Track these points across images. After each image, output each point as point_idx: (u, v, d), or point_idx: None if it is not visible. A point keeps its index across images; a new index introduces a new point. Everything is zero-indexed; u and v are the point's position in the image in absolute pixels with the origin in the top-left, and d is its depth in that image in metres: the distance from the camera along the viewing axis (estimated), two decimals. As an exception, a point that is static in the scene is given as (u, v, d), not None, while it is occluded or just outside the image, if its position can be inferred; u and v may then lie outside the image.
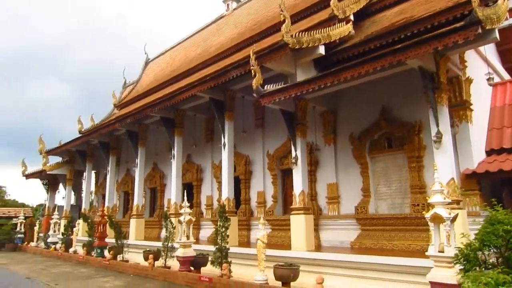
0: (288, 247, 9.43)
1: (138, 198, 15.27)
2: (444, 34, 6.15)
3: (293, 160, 9.57)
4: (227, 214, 9.76)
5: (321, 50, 9.05)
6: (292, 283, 7.57)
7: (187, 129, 14.25)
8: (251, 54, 8.88)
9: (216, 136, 14.13)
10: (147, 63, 24.10)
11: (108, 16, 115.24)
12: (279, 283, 7.60)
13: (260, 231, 8.01)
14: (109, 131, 16.38)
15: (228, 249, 9.23)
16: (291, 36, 8.57)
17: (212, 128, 14.72)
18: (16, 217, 25.68)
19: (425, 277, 5.72)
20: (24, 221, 24.46)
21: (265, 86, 8.87)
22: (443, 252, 5.40)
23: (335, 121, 10.79)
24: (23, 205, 42.43)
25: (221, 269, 8.79)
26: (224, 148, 11.56)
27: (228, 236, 9.36)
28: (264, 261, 7.87)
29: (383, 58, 6.83)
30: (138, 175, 15.49)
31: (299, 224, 9.12)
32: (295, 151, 9.58)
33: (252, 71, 8.88)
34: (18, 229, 23.86)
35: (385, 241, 8.91)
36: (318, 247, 9.77)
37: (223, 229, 9.38)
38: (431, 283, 5.47)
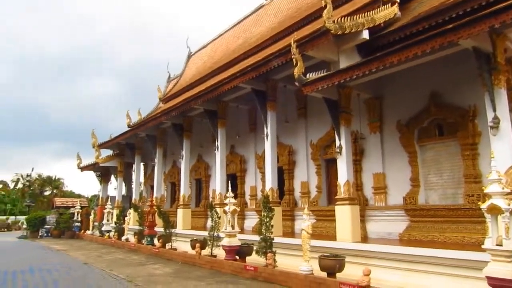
0: (333, 238, 9.28)
1: (184, 189, 15.68)
2: (502, 10, 5.66)
3: (337, 150, 9.35)
4: (271, 205, 9.77)
5: (365, 35, 8.71)
6: (337, 274, 7.45)
7: (230, 120, 14.38)
8: (292, 43, 8.72)
9: (259, 127, 14.14)
10: (189, 56, 24.51)
11: (153, 13, 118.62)
12: (325, 274, 7.51)
13: (304, 222, 7.94)
14: (155, 124, 16.91)
15: (273, 239, 9.25)
16: (333, 21, 8.31)
17: (255, 118, 14.74)
18: (73, 207, 27.44)
19: (480, 271, 5.39)
20: (80, 210, 26.07)
21: (307, 75, 8.70)
22: (501, 245, 5.04)
23: (380, 108, 10.39)
24: (79, 196, 45.25)
25: (266, 259, 8.83)
26: (267, 138, 11.54)
27: (272, 226, 9.38)
28: (308, 251, 7.81)
29: (432, 40, 6.42)
30: (184, 166, 15.89)
31: (344, 214, 8.94)
32: (339, 140, 9.35)
33: (294, 59, 8.73)
34: (75, 218, 25.48)
35: (436, 233, 8.51)
36: (365, 239, 9.53)
37: (267, 219, 9.40)
38: (488, 278, 5.14)
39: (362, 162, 10.77)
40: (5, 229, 35.34)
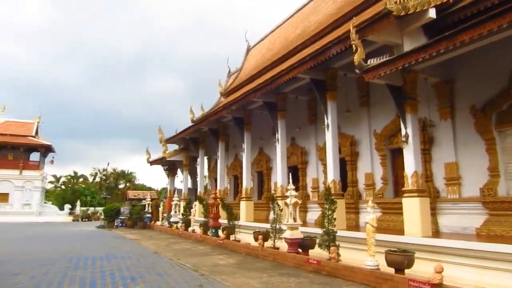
0: (400, 232, 8.79)
1: (247, 182, 15.87)
2: None
3: (403, 139, 8.80)
4: (333, 197, 9.49)
5: (432, 13, 8.05)
6: (406, 271, 7.04)
7: (290, 112, 14.22)
8: (351, 28, 8.34)
9: (319, 118, 13.82)
10: (248, 50, 24.67)
11: (214, 7, 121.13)
12: (391, 270, 7.13)
13: (369, 215, 7.60)
14: (216, 118, 17.30)
15: (336, 232, 8.99)
16: (395, 2, 7.79)
17: (315, 109, 14.43)
18: (144, 199, 29.17)
19: None
20: (150, 202, 27.64)
21: (368, 61, 8.27)
22: None
23: (451, 92, 9.59)
24: (149, 189, 47.96)
25: (329, 252, 8.62)
26: (327, 129, 11.22)
27: (335, 219, 9.11)
28: (374, 246, 7.47)
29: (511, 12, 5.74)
30: (245, 159, 16.08)
31: (412, 207, 8.41)
32: (405, 128, 8.79)
33: (353, 46, 8.35)
34: (146, 209, 27.06)
35: (520, 227, 7.70)
36: (436, 233, 8.91)
37: (330, 212, 9.16)
38: None
39: (432, 151, 10.05)
40: (86, 219, 38.64)
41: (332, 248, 8.58)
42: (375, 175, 11.81)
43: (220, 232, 14.93)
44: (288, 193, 10.49)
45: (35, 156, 44.32)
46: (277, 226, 11.02)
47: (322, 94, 11.42)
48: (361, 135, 12.36)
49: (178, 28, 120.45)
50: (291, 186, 10.49)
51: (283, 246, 10.62)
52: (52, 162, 45.51)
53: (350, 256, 8.82)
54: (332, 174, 10.93)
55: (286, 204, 10.41)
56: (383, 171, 11.50)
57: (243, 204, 15.59)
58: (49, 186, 54.52)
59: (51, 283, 7.64)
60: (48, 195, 52.43)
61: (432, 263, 6.55)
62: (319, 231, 9.49)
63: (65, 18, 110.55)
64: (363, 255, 7.91)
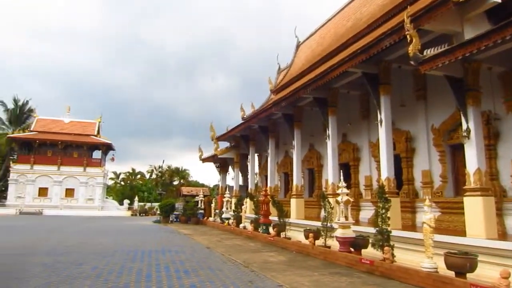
0: (461, 233, 8.25)
1: (297, 179, 15.73)
2: None
3: (465, 134, 8.22)
4: (387, 195, 9.12)
5: (497, -4, 7.44)
6: (467, 275, 6.58)
7: (341, 107, 13.88)
8: (405, 18, 7.93)
9: (372, 113, 13.35)
10: (298, 46, 24.41)
11: (265, 3, 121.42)
12: (451, 273, 6.70)
13: (426, 214, 7.22)
14: (266, 115, 17.31)
15: (390, 232, 8.63)
16: (455, -13, 7.29)
17: (367, 104, 13.95)
18: (197, 195, 29.97)
19: None
20: (203, 199, 28.34)
21: (424, 51, 7.81)
22: None
23: (520, 83, 8.81)
24: (202, 185, 49.23)
25: (383, 253, 8.29)
26: (381, 124, 10.79)
27: (389, 218, 8.75)
28: (431, 247, 7.07)
29: None
30: (296, 156, 15.94)
31: (475, 207, 7.83)
32: (467, 122, 8.20)
33: (408, 36, 7.93)
34: (199, 205, 27.80)
35: None
36: (502, 235, 8.24)
37: (383, 211, 8.81)
38: None
39: (497, 147, 9.30)
40: (143, 214, 40.52)
41: (386, 248, 8.25)
42: (433, 173, 11.18)
43: (270, 229, 14.95)
44: (339, 191, 10.25)
45: (97, 154, 47.31)
46: (328, 224, 10.82)
47: (374, 88, 11.00)
48: (417, 130, 11.75)
49: (229, 26, 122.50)
50: (343, 183, 10.24)
51: (334, 244, 10.41)
52: (112, 159, 48.31)
53: (405, 257, 8.45)
54: (386, 171, 10.50)
55: (337, 202, 10.18)
56: (442, 168, 10.84)
57: (293, 201, 15.48)
58: (110, 183, 57.90)
59: (111, 273, 8.07)
60: (109, 190, 55.68)
61: (497, 268, 6.08)
62: (372, 230, 9.19)
63: (121, 21, 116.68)
64: (419, 256, 7.53)
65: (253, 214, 17.10)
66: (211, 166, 28.94)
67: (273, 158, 19.20)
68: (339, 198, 10.08)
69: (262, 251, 12.09)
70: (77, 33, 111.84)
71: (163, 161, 78.75)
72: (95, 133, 46.62)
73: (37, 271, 8.19)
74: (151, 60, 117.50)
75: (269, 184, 18.56)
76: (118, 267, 8.87)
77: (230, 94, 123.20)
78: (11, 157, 44.87)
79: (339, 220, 9.96)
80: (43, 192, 42.24)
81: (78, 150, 45.03)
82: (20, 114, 48.88)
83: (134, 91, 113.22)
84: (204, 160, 27.60)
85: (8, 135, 43.52)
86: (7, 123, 48.11)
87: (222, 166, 27.23)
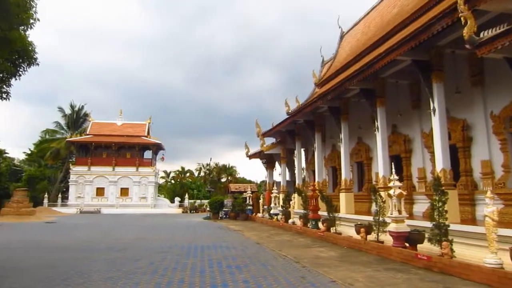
0: (529, 226, 7.68)
1: (346, 173, 15.41)
2: None
3: (529, 119, 7.63)
4: (443, 188, 8.68)
5: None
6: (538, 271, 6.12)
7: (389, 98, 13.38)
8: (458, -1, 7.46)
9: (424, 102, 12.75)
10: (342, 36, 23.84)
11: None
12: (519, 269, 6.26)
13: (488, 207, 6.79)
14: (312, 109, 17.09)
15: (448, 226, 8.21)
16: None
17: (418, 93, 13.34)
18: (245, 191, 30.30)
19: None
20: (251, 195, 28.59)
21: (481, 34, 7.31)
22: None
23: None
24: (249, 182, 49.70)
25: (441, 248, 7.91)
26: (434, 113, 10.27)
27: (446, 211, 8.32)
28: (495, 241, 6.63)
29: None
30: (343, 150, 15.62)
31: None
32: (532, 107, 7.60)
33: (462, 18, 7.46)
34: (247, 201, 28.09)
35: None
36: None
37: (440, 204, 8.39)
38: None
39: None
40: (194, 211, 41.63)
41: (444, 243, 7.86)
42: (493, 163, 10.46)
43: (320, 224, 14.78)
44: (391, 184, 9.91)
45: (148, 154, 49.30)
46: (381, 219, 10.50)
47: (426, 76, 10.48)
48: (475, 118, 11.05)
49: (273, 21, 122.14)
50: (395, 176, 9.88)
51: (387, 239, 10.09)
52: (162, 159, 50.07)
53: (465, 252, 8.00)
54: (441, 162, 9.98)
55: (389, 196, 9.85)
56: (504, 158, 10.12)
57: (342, 196, 15.19)
58: (161, 181, 60.09)
59: (167, 268, 8.36)
60: (160, 189, 57.79)
61: None
62: (428, 224, 8.80)
63: (171, 25, 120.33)
64: (480, 251, 7.11)
65: (302, 209, 16.98)
66: (257, 162, 29.18)
67: (320, 152, 18.94)
68: (391, 192, 9.74)
69: (312, 247, 11.99)
70: (130, 38, 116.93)
71: (211, 159, 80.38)
72: (146, 134, 48.53)
73: (98, 266, 8.67)
74: (199, 60, 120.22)
75: (316, 179, 18.34)
76: (173, 262, 9.19)
77: (275, 89, 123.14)
78: (70, 160, 47.85)
79: (392, 214, 9.63)
80: (100, 192, 44.69)
81: (130, 150, 47.13)
82: (76, 119, 52.00)
83: (182, 91, 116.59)
84: (251, 156, 27.82)
85: (67, 139, 46.43)
86: (65, 128, 51.39)
87: (269, 162, 27.31)
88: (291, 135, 22.02)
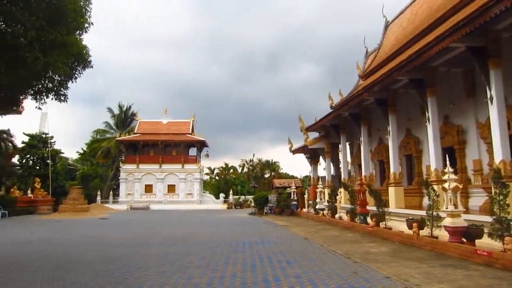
0: None
1: (394, 166, 14.92)
2: None
3: None
4: (504, 180, 8.18)
5: None
6: None
7: (441, 87, 12.77)
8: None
9: (479, 90, 12.05)
10: (386, 26, 23.04)
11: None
12: None
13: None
14: (357, 102, 16.68)
15: (510, 220, 7.73)
16: None
17: (472, 81, 12.62)
18: (289, 187, 30.22)
19: None
20: (295, 190, 28.47)
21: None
22: None
23: None
24: (292, 177, 49.55)
25: (503, 243, 7.48)
26: (491, 102, 9.67)
27: (508, 205, 7.86)
28: None
29: None
30: (392, 143, 15.12)
31: None
32: None
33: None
34: (292, 197, 28.01)
35: None
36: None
37: (501, 197, 7.93)
38: None
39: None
40: (238, 207, 42.16)
41: (507, 238, 7.43)
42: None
43: (368, 219, 14.46)
44: (445, 177, 9.47)
45: (192, 151, 50.48)
46: (434, 213, 10.08)
47: (482, 62, 9.88)
48: (538, 105, 10.29)
49: (312, 14, 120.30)
50: (449, 169, 9.43)
51: (441, 234, 9.71)
52: (207, 155, 51.11)
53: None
54: (501, 153, 9.38)
55: (443, 189, 9.43)
56: None
57: (391, 190, 14.72)
58: (206, 178, 61.34)
59: (218, 263, 8.52)
60: (205, 185, 59.02)
61: None
62: (486, 218, 8.39)
63: (211, 24, 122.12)
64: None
65: (349, 204, 16.68)
66: (300, 157, 29.00)
67: (366, 146, 18.46)
68: (446, 185, 9.32)
69: (362, 242, 11.76)
70: (172, 39, 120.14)
71: (253, 154, 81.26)
72: (190, 131, 49.70)
73: (153, 261, 8.99)
74: (239, 58, 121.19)
75: (363, 173, 17.90)
76: (223, 257, 9.34)
77: (315, 83, 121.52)
78: (120, 158, 50.04)
79: (447, 208, 9.22)
80: (148, 188, 46.39)
81: (176, 148, 48.50)
82: (125, 119, 54.32)
83: (224, 88, 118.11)
84: (294, 151, 27.69)
85: (116, 139, 48.57)
86: (114, 127, 53.82)
87: (313, 156, 27.04)
88: (335, 129, 21.64)
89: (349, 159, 23.80)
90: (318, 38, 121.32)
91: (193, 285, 6.51)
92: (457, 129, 13.41)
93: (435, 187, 10.60)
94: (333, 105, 19.79)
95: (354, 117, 18.65)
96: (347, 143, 22.68)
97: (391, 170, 14.99)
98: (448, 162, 9.66)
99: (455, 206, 9.12)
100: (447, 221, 9.13)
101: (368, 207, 14.99)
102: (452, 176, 9.32)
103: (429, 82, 12.45)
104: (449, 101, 13.26)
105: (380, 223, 13.20)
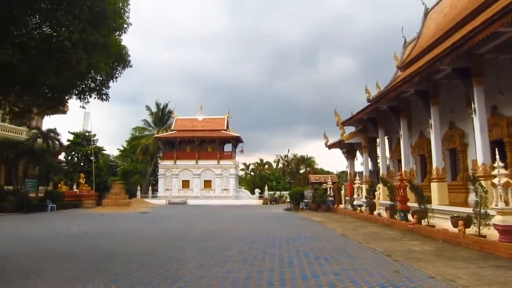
0: None
1: (437, 161, 14.27)
2: None
3: None
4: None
5: None
6: None
7: (488, 76, 12.00)
8: None
9: (532, 78, 11.24)
10: (426, 13, 22.01)
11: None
12: None
13: None
14: (396, 94, 16.08)
15: None
16: None
17: (524, 69, 11.80)
18: (325, 182, 29.81)
19: None
20: (332, 186, 28.03)
21: None
22: None
23: None
24: (328, 172, 48.82)
25: (562, 244, 6.94)
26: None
27: None
28: None
29: None
30: (434, 136, 14.46)
31: None
32: None
33: None
34: (328, 193, 27.60)
35: None
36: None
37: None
38: None
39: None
40: (274, 202, 42.08)
41: None
42: None
43: (409, 216, 13.95)
44: (495, 172, 8.92)
45: (228, 147, 50.85)
46: (482, 211, 9.53)
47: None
48: None
49: (345, 6, 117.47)
50: (500, 163, 8.87)
51: (490, 233, 9.18)
52: (242, 151, 51.34)
53: None
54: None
55: (493, 185, 8.89)
56: None
57: (434, 185, 14.10)
58: (241, 173, 61.70)
59: (256, 258, 8.50)
60: (241, 181, 59.37)
61: None
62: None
63: (244, 21, 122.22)
64: None
65: (388, 200, 16.17)
66: (336, 153, 28.44)
67: (406, 139, 17.78)
68: (495, 181, 8.78)
69: (403, 240, 11.36)
70: (206, 37, 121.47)
71: (288, 150, 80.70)
72: (225, 127, 50.11)
73: (192, 254, 9.11)
74: (272, 53, 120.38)
75: (403, 168, 17.27)
76: (260, 252, 9.31)
77: (349, 77, 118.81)
78: (158, 155, 51.33)
79: (496, 205, 8.69)
80: (185, 184, 47.31)
81: (211, 144, 49.10)
82: (162, 116, 55.65)
83: (257, 84, 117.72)
84: (330, 146, 27.20)
85: (154, 136, 49.84)
86: (152, 125, 55.28)
87: (349, 151, 26.44)
88: (373, 122, 21.01)
89: (387, 153, 23.05)
90: (353, 30, 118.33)
91: (232, 279, 6.52)
92: (507, 121, 12.57)
93: (483, 182, 10.01)
94: (370, 98, 19.19)
95: (392, 110, 18.02)
96: (385, 137, 21.97)
97: (434, 165, 14.35)
98: (497, 156, 9.09)
99: (506, 203, 8.58)
100: (497, 219, 8.62)
101: (408, 204, 14.46)
102: (502, 171, 8.78)
103: (475, 71, 11.74)
104: (498, 90, 12.45)
105: (422, 220, 12.68)
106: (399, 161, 19.01)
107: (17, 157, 28.80)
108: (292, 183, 51.86)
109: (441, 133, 15.08)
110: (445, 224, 11.59)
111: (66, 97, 9.58)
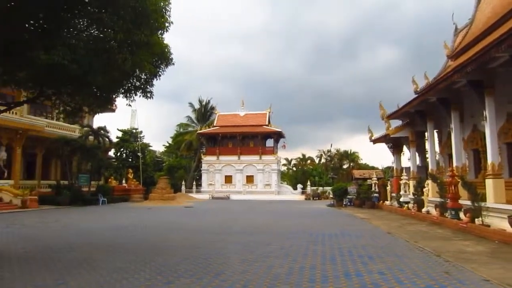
0: None
1: (493, 156, 13.33)
2: None
3: None
4: None
5: None
6: None
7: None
8: None
9: None
10: (480, -1, 20.66)
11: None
12: None
13: None
14: (446, 85, 15.19)
15: None
16: None
17: None
18: (370, 178, 29.00)
19: None
20: (377, 181, 27.23)
21: None
22: None
23: None
24: (372, 168, 47.52)
25: None
26: None
27: None
28: None
29: None
30: (489, 129, 13.51)
31: None
32: None
33: None
34: (373, 189, 26.83)
35: None
36: None
37: None
38: None
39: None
40: (316, 198, 41.62)
41: None
42: None
43: (461, 215, 13.21)
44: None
45: (269, 143, 50.86)
46: (545, 210, 8.81)
47: None
48: None
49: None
50: None
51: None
52: (284, 146, 51.18)
53: None
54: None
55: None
56: None
57: (489, 182, 13.19)
58: (283, 169, 61.58)
59: (298, 254, 8.41)
60: (283, 176, 59.26)
61: None
62: None
63: (284, 16, 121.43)
64: None
65: (438, 197, 15.40)
66: (381, 147, 27.49)
67: (458, 133, 16.81)
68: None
69: (454, 239, 10.79)
70: (247, 32, 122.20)
71: (331, 145, 79.52)
72: (266, 122, 50.13)
73: (234, 248, 9.19)
74: (313, 46, 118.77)
75: (455, 164, 16.35)
76: (302, 248, 9.21)
77: (394, 68, 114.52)
78: (201, 150, 52.39)
79: (561, 204, 7.98)
80: (228, 179, 47.94)
81: (253, 140, 49.33)
82: (204, 112, 56.64)
83: (298, 78, 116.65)
84: (375, 141, 26.35)
85: (197, 132, 50.89)
86: (195, 121, 56.45)
87: (395, 146, 25.50)
88: (420, 115, 20.05)
89: (437, 148, 21.96)
90: (398, 18, 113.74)
91: (273, 274, 6.49)
92: None
93: (545, 179, 9.25)
94: (418, 89, 18.31)
95: (442, 102, 17.08)
96: (434, 131, 20.92)
97: (489, 160, 13.43)
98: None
99: None
100: (562, 219, 7.91)
101: (460, 201, 13.68)
102: None
103: (537, 59, 10.85)
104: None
105: (476, 219, 11.95)
106: (450, 156, 18.03)
107: (71, 153, 30.55)
108: (335, 178, 51.03)
109: (497, 126, 14.06)
110: (502, 224, 10.85)
111: (114, 96, 9.97)
